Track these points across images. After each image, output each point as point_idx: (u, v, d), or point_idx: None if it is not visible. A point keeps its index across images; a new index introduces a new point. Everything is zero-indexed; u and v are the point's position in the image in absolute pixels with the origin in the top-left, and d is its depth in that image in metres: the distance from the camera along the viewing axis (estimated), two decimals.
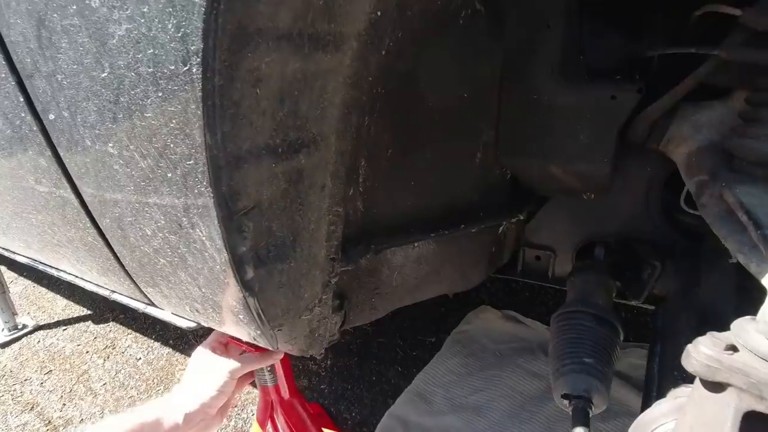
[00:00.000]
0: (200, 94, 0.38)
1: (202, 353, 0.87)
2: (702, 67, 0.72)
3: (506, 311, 1.78)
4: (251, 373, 0.94)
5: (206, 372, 0.85)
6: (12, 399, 1.52)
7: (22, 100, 0.53)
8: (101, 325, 1.90)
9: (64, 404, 1.48)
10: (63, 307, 2.06)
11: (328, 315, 0.81)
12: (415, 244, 0.91)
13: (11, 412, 1.46)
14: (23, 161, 0.62)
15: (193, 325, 0.75)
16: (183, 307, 0.69)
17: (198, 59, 0.36)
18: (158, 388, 1.48)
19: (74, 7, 0.40)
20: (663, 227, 1.02)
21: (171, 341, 1.75)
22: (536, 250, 1.23)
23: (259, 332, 0.62)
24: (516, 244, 1.23)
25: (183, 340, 1.74)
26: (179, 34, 0.36)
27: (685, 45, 0.74)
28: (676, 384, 0.65)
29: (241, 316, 0.60)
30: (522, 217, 1.06)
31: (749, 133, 0.67)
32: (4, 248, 1.05)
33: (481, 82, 0.87)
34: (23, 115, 0.55)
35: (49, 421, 1.41)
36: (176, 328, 1.74)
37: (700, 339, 0.41)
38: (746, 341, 0.39)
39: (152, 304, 0.77)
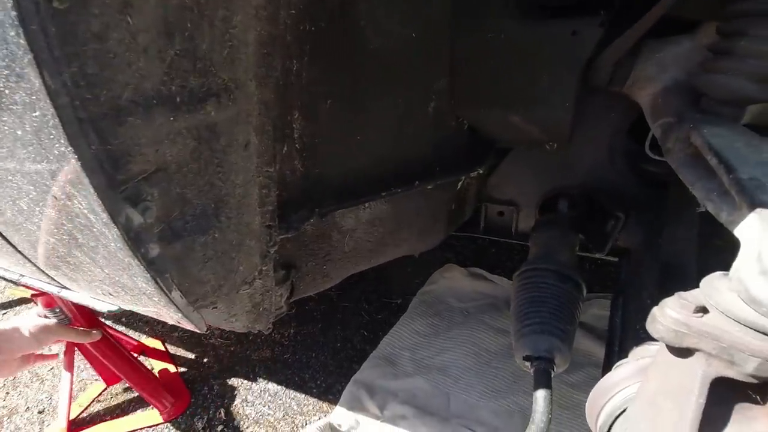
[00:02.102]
0: (15, 13, 0.28)
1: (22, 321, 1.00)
2: None
3: (472, 269, 1.76)
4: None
5: (24, 322, 0.98)
6: None
7: None
8: None
9: (8, 393, 1.38)
10: (2, 288, 1.91)
11: (272, 287, 0.74)
12: (366, 205, 0.84)
13: None
14: None
15: (114, 308, 0.66)
16: (95, 290, 0.60)
17: None
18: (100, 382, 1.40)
19: None
20: (627, 176, 0.98)
21: (122, 320, 1.65)
22: (499, 206, 1.19)
23: (180, 315, 0.54)
24: (477, 200, 1.17)
25: (135, 317, 1.65)
26: None
27: None
28: (638, 340, 0.62)
29: (156, 299, 0.52)
30: (482, 172, 0.99)
31: (719, 68, 0.61)
32: None
33: (431, 19, 0.77)
34: None
35: None
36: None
37: (666, 301, 0.36)
38: (717, 301, 0.34)
39: (65, 287, 0.67)
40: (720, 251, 0.56)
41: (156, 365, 1.42)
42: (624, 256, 0.98)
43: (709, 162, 0.50)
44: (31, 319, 1.02)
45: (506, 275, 1.72)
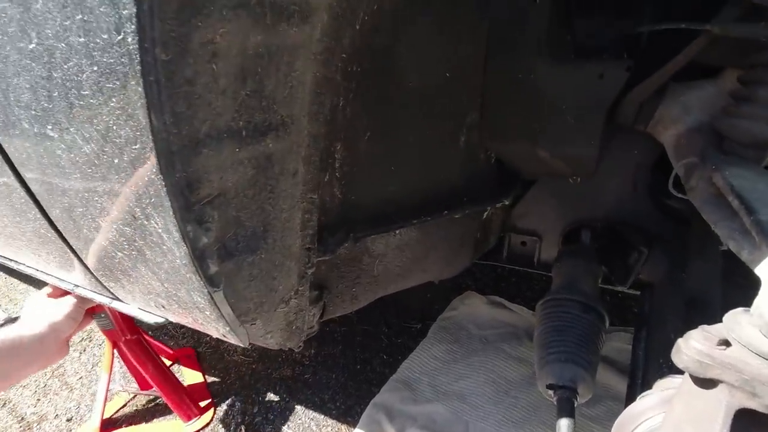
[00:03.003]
0: (139, 68, 0.33)
1: (38, 298, 0.95)
2: (693, 44, 0.69)
3: (492, 297, 1.77)
4: (87, 318, 1.03)
5: (51, 305, 0.92)
6: None
7: None
8: None
9: (39, 400, 1.43)
10: None
11: (306, 307, 0.78)
12: (397, 232, 0.88)
13: None
14: None
15: (160, 320, 0.71)
16: (148, 302, 0.65)
17: (133, 26, 0.32)
18: (134, 384, 1.44)
19: None
20: (651, 211, 1.00)
21: (149, 334, 1.70)
22: (522, 236, 1.21)
23: (227, 329, 0.59)
24: (501, 229, 1.20)
25: (162, 331, 1.70)
26: None
27: (675, 20, 0.71)
28: (662, 373, 0.63)
29: (207, 313, 0.56)
30: (507, 202, 1.03)
31: (741, 113, 0.64)
32: None
33: (465, 60, 0.83)
34: None
35: (22, 418, 1.37)
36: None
37: (691, 333, 0.38)
38: (739, 335, 0.36)
39: (117, 298, 0.72)
40: (742, 288, 0.59)
41: (187, 375, 1.46)
42: (646, 289, 0.99)
43: (731, 202, 0.53)
44: (50, 305, 0.93)
45: (526, 304, 1.72)
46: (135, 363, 1.23)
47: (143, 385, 1.38)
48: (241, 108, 0.47)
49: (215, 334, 0.64)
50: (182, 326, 1.72)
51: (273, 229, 0.60)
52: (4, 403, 1.43)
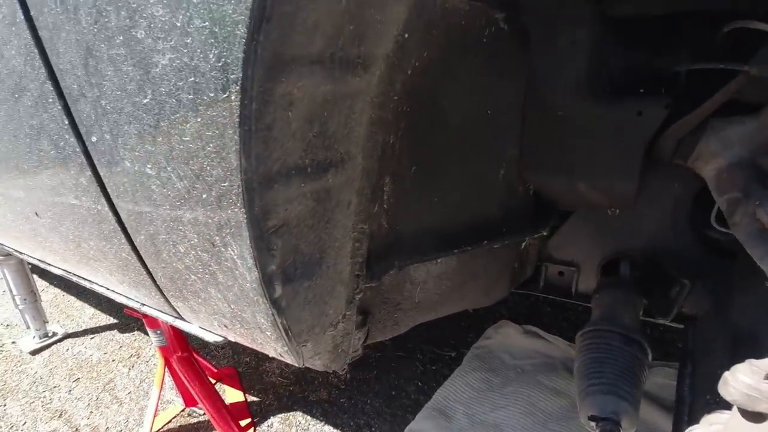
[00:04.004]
0: (238, 120, 0.39)
1: None
2: (732, 83, 0.71)
3: (527, 326, 1.76)
4: None
5: None
6: (42, 406, 1.56)
7: (66, 123, 0.56)
8: (126, 334, 1.94)
9: (91, 412, 1.51)
10: (90, 315, 2.12)
11: (352, 331, 0.81)
12: (438, 261, 0.91)
13: (41, 419, 1.50)
14: (65, 179, 0.65)
15: (219, 339, 0.76)
16: (211, 322, 0.70)
17: (237, 87, 0.38)
18: (179, 400, 1.50)
19: (121, 38, 0.42)
20: (692, 244, 0.99)
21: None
22: (559, 266, 1.22)
23: (285, 349, 0.63)
24: (538, 259, 1.22)
25: (205, 351, 1.76)
26: (220, 64, 0.37)
27: (714, 60, 0.73)
28: (708, 408, 0.63)
29: (268, 333, 0.61)
30: (545, 233, 1.05)
31: None
32: (40, 260, 1.09)
33: (505, 99, 0.87)
34: (67, 137, 0.58)
35: (77, 429, 1.44)
36: (198, 339, 1.77)
37: (738, 366, 0.40)
38: None
39: (180, 317, 0.78)
40: None
41: (229, 394, 1.52)
42: (690, 323, 0.97)
43: None
44: None
45: (561, 335, 1.70)
46: (184, 379, 1.29)
47: (189, 402, 1.43)
48: (308, 147, 0.53)
49: (272, 354, 0.69)
50: (223, 347, 1.78)
51: (327, 256, 0.65)
52: (61, 414, 1.51)
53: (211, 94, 0.39)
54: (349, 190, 0.64)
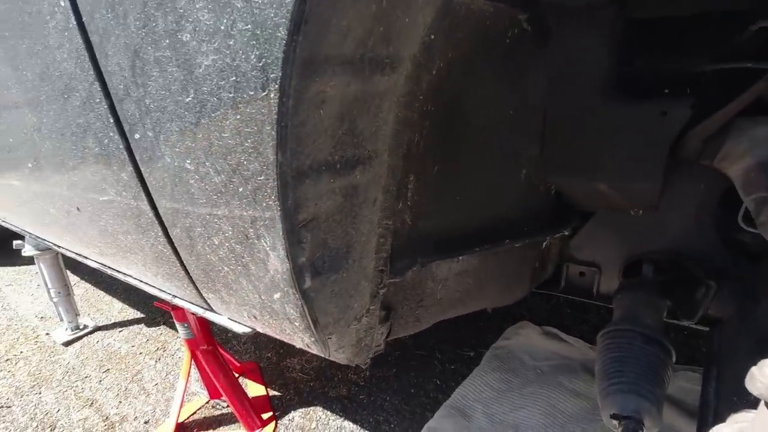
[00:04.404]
0: (276, 116, 0.42)
1: None
2: (759, 83, 0.71)
3: (546, 327, 1.75)
4: None
5: None
6: (74, 394, 1.63)
7: (111, 121, 0.59)
8: (153, 328, 2.01)
9: (120, 402, 1.57)
10: (119, 309, 2.19)
11: (375, 325, 0.83)
12: (459, 258, 0.92)
13: (73, 407, 1.57)
14: (107, 175, 0.69)
15: (248, 330, 0.79)
16: (241, 313, 0.73)
17: (276, 86, 0.40)
18: (204, 392, 1.54)
19: (167, 41, 0.45)
20: (718, 245, 0.98)
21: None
22: (580, 266, 1.21)
23: (313, 339, 0.65)
24: (559, 259, 1.21)
25: (228, 345, 1.81)
26: (261, 64, 0.40)
27: (740, 60, 0.73)
28: (734, 409, 0.63)
29: (297, 324, 0.63)
30: (567, 233, 1.05)
31: None
32: (78, 253, 1.14)
33: (527, 98, 0.88)
34: (111, 134, 0.61)
35: (107, 417, 1.50)
36: (223, 333, 1.82)
37: (765, 361, 0.40)
38: None
39: (211, 309, 0.82)
40: None
41: (251, 388, 1.55)
42: (715, 325, 0.96)
43: None
44: None
45: (581, 337, 1.68)
46: (209, 372, 1.33)
47: (214, 394, 1.48)
48: (337, 144, 0.55)
49: (299, 344, 0.71)
50: (245, 341, 1.82)
51: (354, 251, 0.67)
52: (92, 403, 1.57)
53: (251, 93, 0.42)
54: (375, 187, 0.66)
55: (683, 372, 1.45)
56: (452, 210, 0.88)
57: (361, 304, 0.76)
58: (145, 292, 1.04)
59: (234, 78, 0.42)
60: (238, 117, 0.45)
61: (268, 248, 0.55)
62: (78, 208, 0.85)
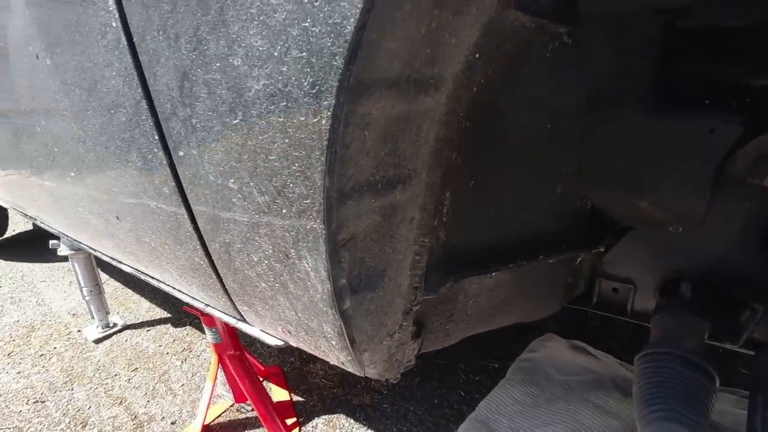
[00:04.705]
0: (326, 142, 0.42)
1: None
2: None
3: (574, 341, 1.71)
4: None
5: None
6: (104, 392, 1.67)
7: (156, 138, 0.60)
8: (179, 329, 2.05)
9: (148, 401, 1.60)
10: (147, 309, 2.24)
11: (407, 341, 0.83)
12: (492, 274, 0.91)
13: (104, 404, 1.61)
14: (148, 188, 0.70)
15: (280, 343, 0.79)
16: (275, 327, 0.73)
17: (329, 113, 0.40)
18: (229, 395, 1.56)
19: (218, 64, 0.46)
20: (764, 267, 0.94)
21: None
22: (614, 282, 1.18)
23: (349, 358, 0.65)
24: (592, 275, 1.18)
25: (252, 349, 1.83)
26: (314, 91, 0.40)
27: None
28: None
29: (333, 342, 0.63)
30: (602, 249, 1.02)
31: None
32: (113, 258, 1.17)
33: (566, 113, 0.86)
34: (155, 150, 0.62)
35: (135, 416, 1.53)
36: (247, 337, 1.83)
37: None
38: None
39: (244, 320, 0.82)
40: None
41: (275, 392, 1.57)
42: (762, 350, 0.92)
43: None
44: None
45: (610, 352, 1.64)
46: (235, 376, 1.35)
47: (239, 398, 1.49)
48: (379, 165, 0.55)
49: (333, 361, 0.71)
50: (269, 346, 1.84)
51: (390, 269, 0.67)
52: (121, 401, 1.61)
53: (302, 118, 0.42)
54: (413, 206, 0.65)
55: (720, 393, 1.39)
56: (486, 225, 0.86)
57: (394, 320, 0.75)
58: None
59: (285, 103, 0.42)
60: (287, 141, 0.44)
61: (309, 269, 0.54)
62: (117, 217, 0.87)
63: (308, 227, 0.50)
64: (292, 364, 1.74)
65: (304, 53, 0.38)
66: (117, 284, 2.50)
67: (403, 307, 0.76)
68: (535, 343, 1.69)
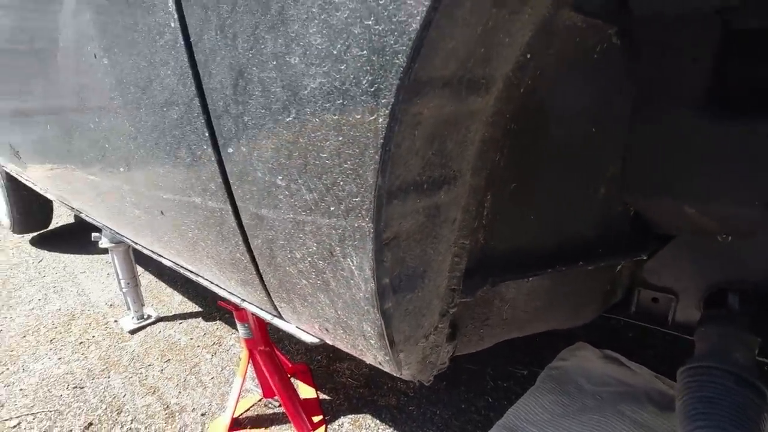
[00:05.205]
0: (382, 141, 0.42)
1: None
2: None
3: (607, 351, 1.66)
4: None
5: None
6: (139, 381, 1.73)
7: (207, 135, 0.62)
8: (210, 323, 2.09)
9: (180, 392, 1.64)
10: (179, 302, 2.30)
11: (442, 343, 0.82)
12: (530, 279, 0.89)
13: (138, 393, 1.66)
14: (195, 184, 0.72)
15: (316, 340, 0.80)
16: (312, 324, 0.74)
17: (386, 111, 0.40)
18: (257, 389, 1.59)
19: (274, 62, 0.46)
20: None
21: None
22: (654, 292, 1.14)
23: (387, 358, 0.65)
24: (631, 283, 1.15)
25: (280, 345, 1.85)
26: (372, 89, 0.40)
27: None
28: None
29: (372, 341, 0.63)
30: (644, 257, 0.99)
31: None
32: (153, 251, 1.20)
33: (611, 115, 0.84)
34: (205, 147, 0.64)
35: (167, 406, 1.58)
36: (275, 333, 1.86)
37: None
38: None
39: (280, 316, 0.83)
40: None
41: (302, 389, 1.58)
42: None
43: None
44: None
45: (645, 363, 1.58)
46: (265, 371, 1.37)
47: (267, 393, 1.52)
48: (426, 165, 0.54)
49: (370, 360, 0.71)
50: (297, 343, 1.86)
51: (430, 270, 0.66)
52: (154, 391, 1.66)
53: (358, 116, 0.42)
54: (456, 207, 0.65)
55: None
56: (526, 228, 0.85)
57: (430, 322, 0.75)
58: (204, 288, 1.08)
59: (341, 101, 0.43)
60: (340, 139, 0.45)
61: (353, 267, 0.55)
62: (162, 212, 0.90)
63: (356, 225, 0.50)
64: (319, 362, 1.75)
65: (365, 51, 0.38)
66: (151, 277, 2.58)
67: (440, 309, 0.75)
68: (566, 352, 1.65)
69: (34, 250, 3.16)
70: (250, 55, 0.49)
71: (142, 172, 0.84)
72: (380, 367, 0.71)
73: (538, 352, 1.67)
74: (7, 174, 2.61)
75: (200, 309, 2.22)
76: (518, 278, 0.87)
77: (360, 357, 0.72)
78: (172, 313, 2.20)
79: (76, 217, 3.60)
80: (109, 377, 1.77)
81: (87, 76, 0.82)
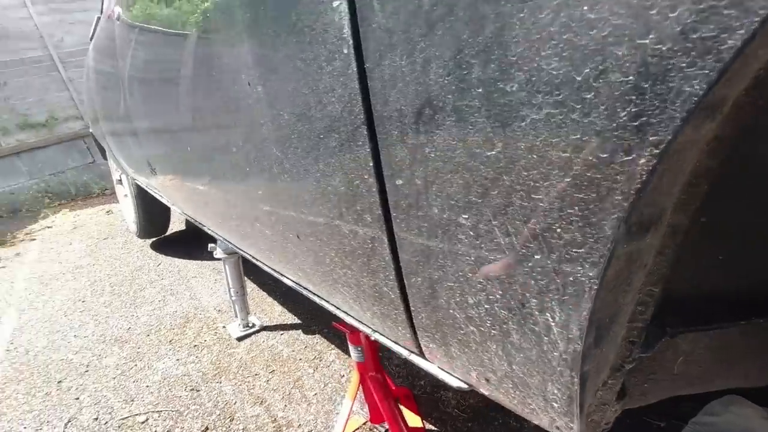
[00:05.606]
0: (638, 186, 0.33)
1: None
2: None
3: None
4: None
5: None
6: (247, 390, 1.78)
7: (371, 165, 0.58)
8: (309, 336, 2.12)
9: (285, 405, 1.67)
10: (279, 312, 2.38)
11: (610, 401, 0.71)
12: (713, 330, 0.75)
13: (247, 402, 1.71)
14: (345, 213, 0.68)
15: (463, 386, 0.73)
16: (467, 371, 0.67)
17: (653, 150, 0.32)
18: (362, 411, 1.55)
19: (479, 90, 0.40)
20: None
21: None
22: None
23: (571, 425, 0.56)
24: None
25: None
26: (635, 123, 0.32)
27: None
28: None
29: (555, 405, 0.54)
30: None
31: None
32: (276, 270, 1.22)
33: None
34: (366, 177, 0.60)
35: (275, 419, 1.60)
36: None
37: None
38: None
39: (421, 355, 0.77)
40: None
41: (407, 416, 1.53)
42: None
43: None
44: None
45: None
46: (375, 396, 1.33)
47: (375, 418, 1.48)
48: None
49: (543, 423, 0.62)
50: (398, 364, 1.81)
51: (615, 322, 0.56)
52: (262, 401, 1.70)
53: (603, 155, 0.34)
54: (651, 250, 0.54)
55: None
56: (713, 271, 0.71)
57: (602, 378, 0.64)
58: (303, 301, 1.06)
59: (577, 136, 0.35)
60: (567, 180, 0.37)
61: (552, 323, 0.47)
62: (298, 236, 0.89)
63: (570, 279, 0.42)
64: (422, 388, 1.68)
65: (631, 77, 0.31)
66: (253, 286, 2.70)
67: (613, 363, 0.64)
68: (716, 405, 1.41)
69: (153, 253, 3.48)
70: (445, 82, 0.43)
71: (284, 197, 0.84)
72: (545, 427, 0.62)
73: (678, 401, 1.45)
74: (138, 186, 2.90)
75: (299, 321, 2.27)
76: (700, 330, 0.73)
77: (526, 416, 0.64)
78: (274, 323, 2.27)
79: (188, 223, 3.93)
80: (220, 383, 1.85)
81: (238, 103, 0.83)
